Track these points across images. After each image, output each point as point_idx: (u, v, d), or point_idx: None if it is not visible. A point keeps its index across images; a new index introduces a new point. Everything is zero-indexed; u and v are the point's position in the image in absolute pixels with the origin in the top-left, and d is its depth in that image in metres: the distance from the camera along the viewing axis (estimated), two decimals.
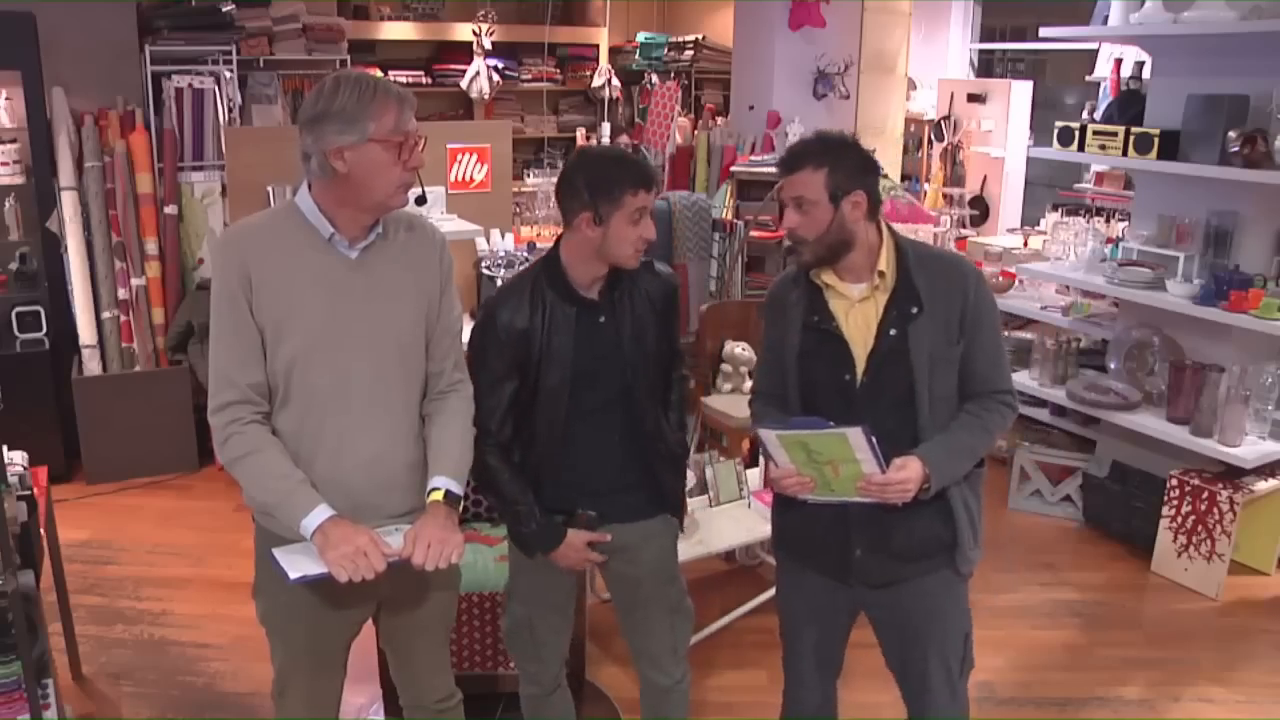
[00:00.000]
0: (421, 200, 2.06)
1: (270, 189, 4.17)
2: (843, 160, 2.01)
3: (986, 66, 6.59)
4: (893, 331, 2.02)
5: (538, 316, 2.11)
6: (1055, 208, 5.25)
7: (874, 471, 1.96)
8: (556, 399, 2.14)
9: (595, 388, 2.16)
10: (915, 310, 2.01)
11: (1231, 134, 3.58)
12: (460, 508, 1.98)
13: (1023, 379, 4.38)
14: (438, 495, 1.93)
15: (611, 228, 2.05)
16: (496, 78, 7.01)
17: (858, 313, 2.06)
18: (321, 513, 1.83)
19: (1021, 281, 4.86)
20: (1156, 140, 3.84)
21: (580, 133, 7.24)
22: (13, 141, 4.56)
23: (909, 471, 1.97)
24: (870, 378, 2.03)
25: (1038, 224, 5.42)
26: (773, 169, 5.87)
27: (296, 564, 1.82)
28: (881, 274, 2.04)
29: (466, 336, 2.16)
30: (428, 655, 2.18)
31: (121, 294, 4.63)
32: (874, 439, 1.91)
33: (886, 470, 1.96)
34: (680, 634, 2.39)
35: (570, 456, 2.20)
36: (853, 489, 1.99)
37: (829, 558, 2.14)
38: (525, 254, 4.23)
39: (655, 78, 7.26)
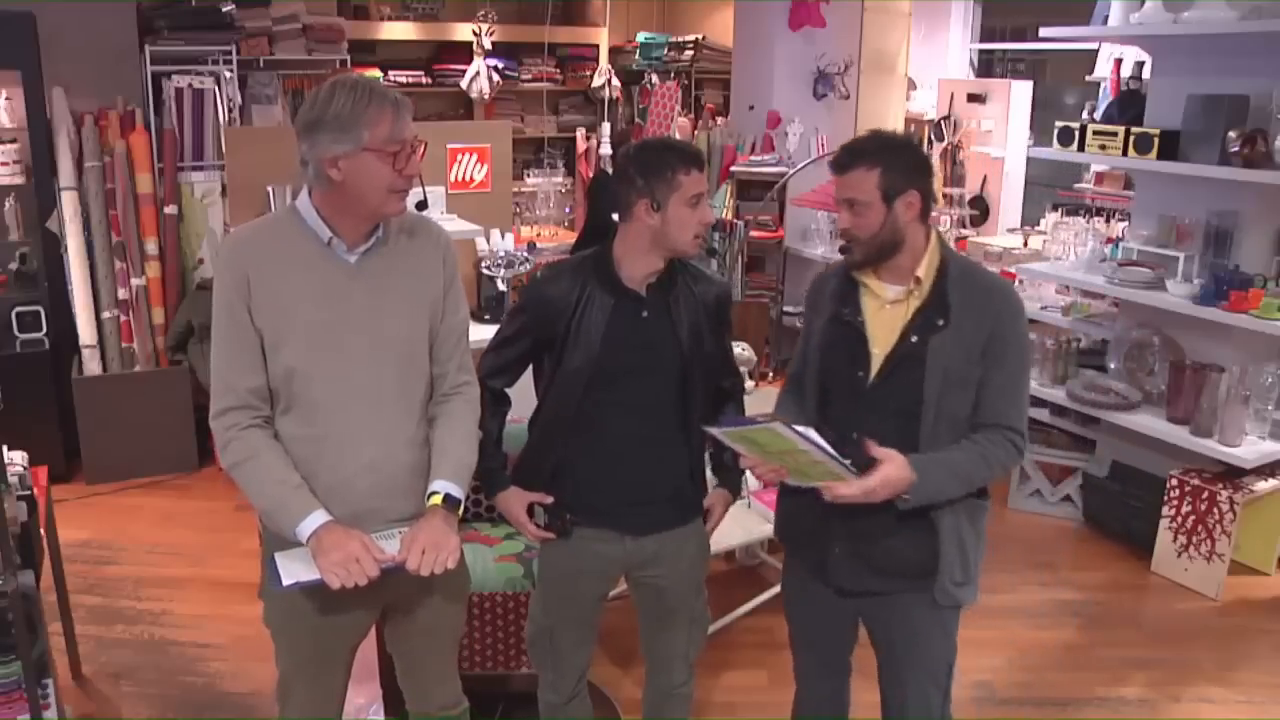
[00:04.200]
0: (423, 205, 2.05)
1: (270, 189, 4.17)
2: (897, 159, 1.97)
3: (986, 66, 6.59)
4: (914, 339, 1.98)
5: (573, 295, 2.10)
6: (1055, 208, 5.24)
7: (823, 460, 1.89)
8: (573, 383, 2.11)
9: (640, 384, 2.12)
10: (941, 323, 1.97)
11: (1231, 134, 3.58)
12: (460, 511, 1.97)
13: None
14: (436, 499, 1.92)
15: (670, 212, 2.03)
16: (496, 78, 7.01)
17: (887, 314, 2.03)
18: (316, 518, 1.82)
19: (1021, 282, 4.85)
20: (1156, 140, 3.84)
21: (580, 133, 7.24)
22: (13, 141, 4.56)
23: (886, 470, 1.89)
24: (882, 380, 2.01)
25: (1037, 224, 5.42)
26: (773, 169, 5.94)
27: (291, 570, 1.82)
28: (918, 280, 2.01)
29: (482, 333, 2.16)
30: (434, 663, 2.17)
31: (121, 294, 4.62)
32: (799, 430, 1.85)
33: (844, 461, 1.89)
34: (694, 642, 2.39)
35: (613, 458, 2.16)
36: (824, 478, 1.94)
37: (810, 551, 2.14)
38: (525, 254, 4.23)
39: (655, 78, 7.26)
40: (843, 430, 2.01)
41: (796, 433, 1.86)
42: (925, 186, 2.00)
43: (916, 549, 2.03)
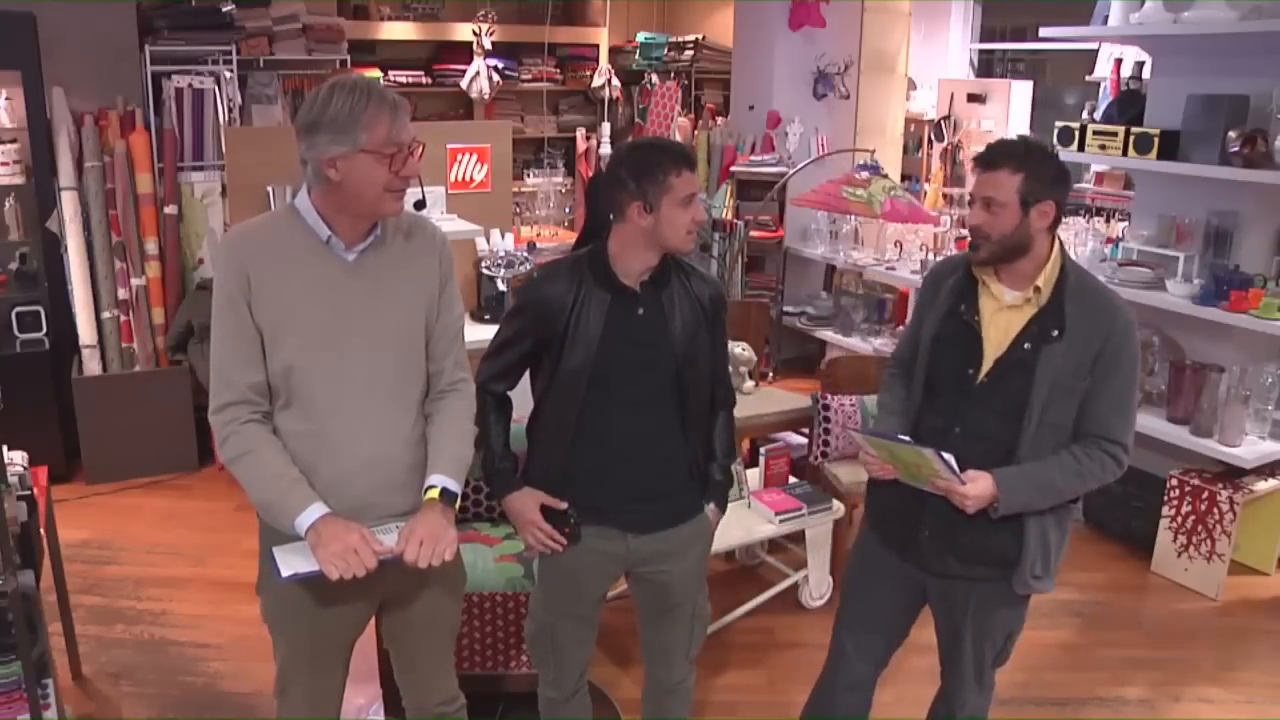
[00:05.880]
0: (421, 205, 2.07)
1: (270, 189, 4.17)
2: (1041, 168, 2.03)
3: (986, 66, 6.59)
4: (1026, 345, 2.04)
5: (571, 294, 2.10)
6: None
7: (950, 478, 2.02)
8: (574, 382, 2.11)
9: (638, 381, 2.13)
10: (1055, 334, 2.03)
11: (1231, 134, 3.58)
12: (457, 506, 1.98)
13: None
14: (433, 493, 1.94)
15: (663, 213, 2.04)
16: (496, 78, 7.01)
17: (1003, 316, 2.09)
18: (315, 511, 1.84)
19: None
20: (1156, 140, 3.85)
21: (580, 133, 7.24)
22: (13, 141, 4.56)
23: (975, 488, 2.02)
24: (991, 380, 2.07)
25: None
26: (773, 169, 5.94)
27: (290, 562, 1.83)
28: (1038, 289, 2.06)
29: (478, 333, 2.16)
30: (431, 658, 2.18)
31: (121, 294, 4.62)
32: (946, 459, 1.98)
33: (963, 479, 2.02)
34: (696, 637, 2.38)
35: (613, 456, 2.16)
36: (928, 483, 2.09)
37: (899, 529, 2.21)
38: (525, 254, 4.23)
39: (655, 78, 7.27)
40: (947, 423, 2.11)
41: (942, 459, 1.99)
42: (1061, 198, 2.05)
43: (1001, 541, 2.10)
